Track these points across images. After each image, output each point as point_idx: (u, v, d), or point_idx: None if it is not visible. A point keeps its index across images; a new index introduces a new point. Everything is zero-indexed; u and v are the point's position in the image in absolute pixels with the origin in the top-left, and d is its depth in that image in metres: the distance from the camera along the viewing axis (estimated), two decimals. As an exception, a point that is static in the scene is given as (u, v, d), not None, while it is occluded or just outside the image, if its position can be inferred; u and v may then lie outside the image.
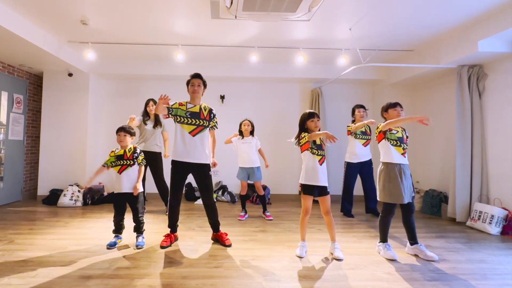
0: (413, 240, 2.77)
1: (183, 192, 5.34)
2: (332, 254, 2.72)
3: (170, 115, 2.86)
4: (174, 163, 2.91)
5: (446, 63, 4.04)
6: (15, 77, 4.90)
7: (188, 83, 2.95)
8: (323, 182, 2.69)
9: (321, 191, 2.70)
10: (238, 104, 5.68)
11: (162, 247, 2.86)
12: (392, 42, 4.23)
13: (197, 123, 2.87)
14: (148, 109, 4.20)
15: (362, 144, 4.17)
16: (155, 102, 4.21)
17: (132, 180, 2.91)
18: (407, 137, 2.83)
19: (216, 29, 3.87)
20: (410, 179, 2.73)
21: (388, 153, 2.75)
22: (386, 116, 2.87)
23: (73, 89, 5.16)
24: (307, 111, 2.77)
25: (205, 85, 2.97)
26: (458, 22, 3.58)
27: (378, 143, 2.84)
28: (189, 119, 2.86)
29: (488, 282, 2.26)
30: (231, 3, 3.01)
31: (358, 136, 4.16)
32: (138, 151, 2.98)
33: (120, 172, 2.89)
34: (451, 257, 2.74)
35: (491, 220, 3.51)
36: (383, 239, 2.78)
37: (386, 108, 2.87)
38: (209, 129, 2.98)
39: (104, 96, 5.59)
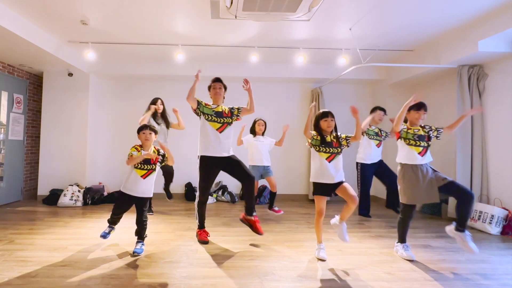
0: (460, 226, 2.56)
1: (183, 192, 5.44)
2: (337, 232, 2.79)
3: (198, 109, 3.04)
4: (203, 158, 3.04)
5: (446, 63, 4.04)
6: (15, 77, 4.89)
7: (209, 87, 3.14)
8: (335, 179, 2.59)
9: (336, 186, 2.61)
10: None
11: (203, 241, 3.00)
12: (392, 42, 4.23)
13: (222, 121, 3.07)
14: (156, 107, 4.08)
15: (376, 145, 4.15)
16: (162, 102, 4.15)
17: (150, 185, 2.79)
18: (429, 136, 2.68)
19: (216, 29, 3.86)
20: (431, 176, 2.61)
21: (402, 154, 2.72)
22: (407, 117, 2.78)
23: (73, 89, 5.16)
24: (321, 110, 2.70)
25: (225, 88, 3.17)
26: (458, 22, 3.58)
27: (397, 140, 2.78)
28: (215, 117, 3.05)
29: (488, 282, 2.25)
30: (231, 3, 3.00)
31: (372, 137, 4.15)
32: (162, 153, 2.84)
33: (144, 177, 2.74)
34: (451, 257, 2.74)
35: (491, 220, 3.51)
36: (401, 240, 2.76)
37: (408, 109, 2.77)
38: (237, 118, 3.18)
39: (104, 96, 5.59)
